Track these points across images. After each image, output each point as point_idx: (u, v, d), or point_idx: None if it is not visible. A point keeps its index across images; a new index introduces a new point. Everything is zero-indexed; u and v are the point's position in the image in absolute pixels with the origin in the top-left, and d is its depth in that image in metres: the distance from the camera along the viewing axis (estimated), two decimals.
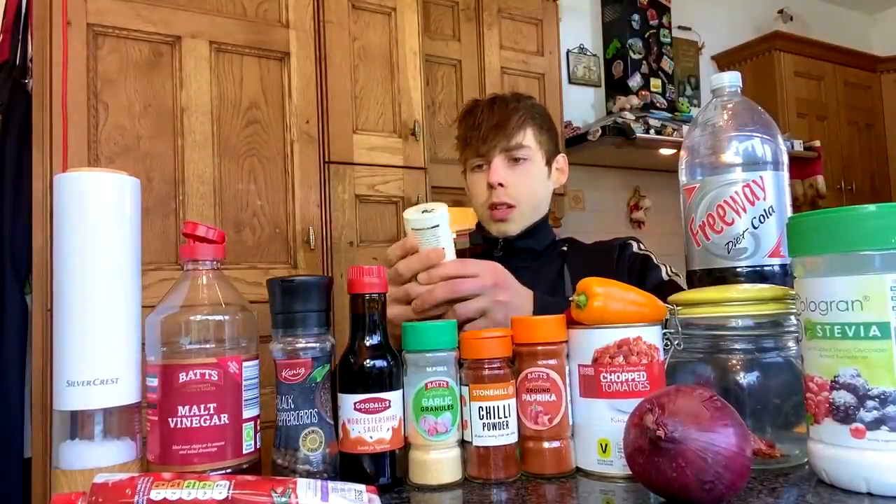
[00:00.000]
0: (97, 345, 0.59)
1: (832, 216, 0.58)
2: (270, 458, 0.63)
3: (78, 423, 0.58)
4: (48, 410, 1.48)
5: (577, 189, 3.34)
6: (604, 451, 0.64)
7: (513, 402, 0.66)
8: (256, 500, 0.49)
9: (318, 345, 0.63)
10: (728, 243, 0.78)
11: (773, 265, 0.77)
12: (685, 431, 0.52)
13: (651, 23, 3.48)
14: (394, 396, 0.64)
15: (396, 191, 2.06)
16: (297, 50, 1.94)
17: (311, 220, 1.91)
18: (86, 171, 0.61)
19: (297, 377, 0.62)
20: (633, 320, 0.65)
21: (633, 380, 0.63)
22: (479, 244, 1.25)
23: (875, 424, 0.54)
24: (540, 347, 0.66)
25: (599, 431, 0.64)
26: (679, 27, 3.71)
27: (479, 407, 0.65)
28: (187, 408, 0.59)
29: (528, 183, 1.19)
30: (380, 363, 0.64)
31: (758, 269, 0.77)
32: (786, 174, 0.79)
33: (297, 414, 0.62)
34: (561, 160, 1.28)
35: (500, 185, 1.16)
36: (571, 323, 0.67)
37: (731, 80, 0.82)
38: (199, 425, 0.59)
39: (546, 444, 0.65)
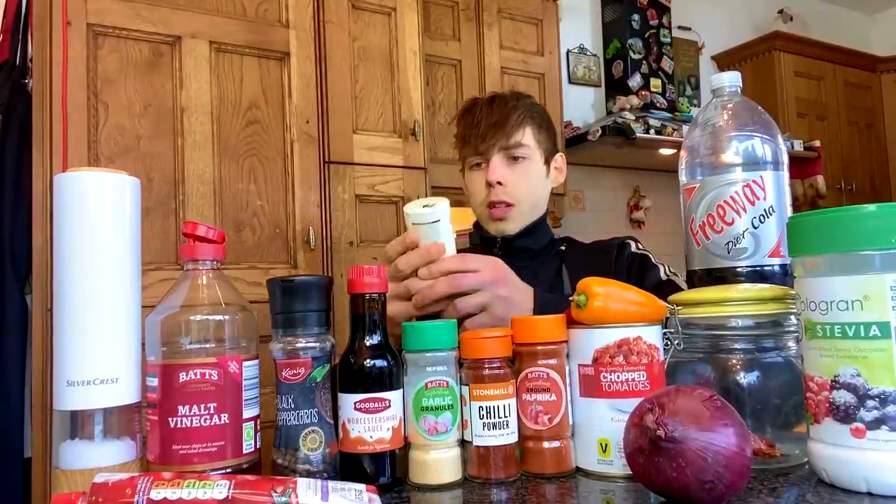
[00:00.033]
0: (97, 345, 0.59)
1: (832, 216, 0.58)
2: (270, 458, 0.63)
3: (78, 423, 0.58)
4: (48, 410, 1.48)
5: (577, 189, 3.34)
6: (604, 451, 0.64)
7: (513, 401, 0.66)
8: (256, 499, 0.49)
9: (318, 345, 0.63)
10: (728, 243, 0.78)
11: (773, 265, 0.77)
12: (685, 431, 0.52)
13: (651, 23, 3.48)
14: (394, 396, 0.64)
15: (396, 191, 2.06)
16: (297, 50, 1.94)
17: (311, 220, 1.92)
18: (86, 171, 0.61)
19: (297, 377, 0.62)
20: (633, 320, 0.65)
21: (633, 380, 0.63)
22: (477, 244, 1.25)
23: (875, 424, 0.54)
24: (540, 347, 0.66)
25: (599, 431, 0.64)
26: (679, 27, 3.71)
27: (480, 407, 0.65)
28: (187, 407, 0.59)
29: (526, 182, 1.18)
30: (380, 363, 0.64)
31: (758, 269, 0.77)
32: (786, 174, 0.79)
33: (297, 414, 0.62)
34: (559, 159, 1.27)
35: (499, 183, 1.15)
36: (571, 323, 0.67)
37: (731, 80, 0.82)
38: (199, 425, 0.59)
39: (546, 444, 0.65)
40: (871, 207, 0.56)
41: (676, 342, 0.68)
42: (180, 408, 0.59)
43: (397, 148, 2.08)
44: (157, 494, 0.48)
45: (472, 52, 2.64)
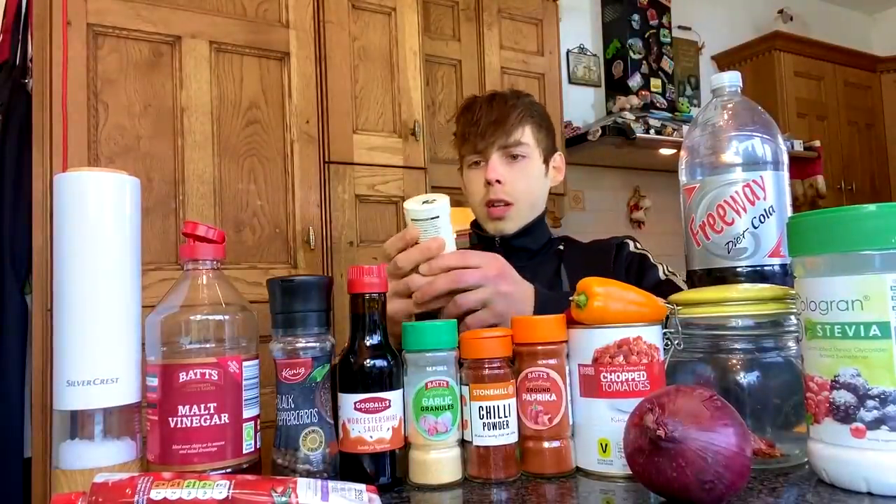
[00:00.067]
0: (97, 345, 0.59)
1: (832, 216, 0.58)
2: (270, 458, 0.63)
3: (78, 423, 0.58)
4: (48, 410, 1.49)
5: (577, 189, 3.34)
6: (604, 451, 0.64)
7: (513, 401, 0.65)
8: (256, 499, 0.49)
9: (318, 345, 0.63)
10: (728, 243, 0.78)
11: (773, 265, 0.77)
12: (685, 431, 0.52)
13: (651, 23, 3.48)
14: (394, 396, 0.64)
15: (396, 191, 2.06)
16: (297, 50, 1.94)
17: (311, 220, 1.92)
18: (86, 171, 0.61)
19: (297, 377, 0.62)
20: (633, 320, 0.65)
21: (633, 380, 0.63)
22: (476, 245, 1.25)
23: (875, 424, 0.54)
24: (540, 347, 0.66)
25: (599, 431, 0.64)
26: (679, 27, 3.71)
27: (480, 406, 0.65)
28: (187, 407, 0.59)
29: (525, 180, 1.18)
30: (380, 363, 0.64)
31: (758, 268, 0.77)
32: (786, 174, 0.79)
33: (297, 414, 0.62)
34: (558, 158, 1.27)
35: (498, 181, 1.15)
36: (571, 323, 0.67)
37: (731, 80, 0.82)
38: (199, 425, 0.59)
39: (546, 444, 0.65)
40: (871, 207, 0.56)
41: (676, 342, 0.68)
42: (180, 408, 0.59)
43: (397, 148, 2.08)
44: (157, 494, 0.48)
45: (472, 52, 2.64)
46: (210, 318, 0.62)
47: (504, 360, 0.66)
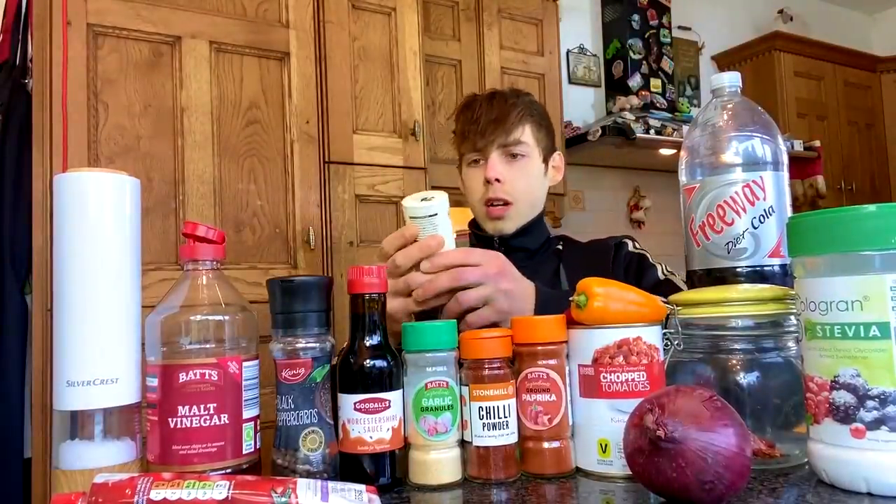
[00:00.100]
0: (97, 345, 0.59)
1: (832, 216, 0.58)
2: (270, 458, 0.63)
3: (78, 423, 0.58)
4: (48, 410, 1.49)
5: (577, 189, 3.34)
6: (604, 451, 0.64)
7: (513, 402, 0.65)
8: (256, 500, 0.49)
9: (318, 345, 0.63)
10: (728, 243, 0.78)
11: (773, 265, 0.77)
12: (685, 431, 0.52)
13: (651, 23, 3.48)
14: (394, 396, 0.64)
15: (396, 191, 2.06)
16: (297, 50, 1.94)
17: (311, 220, 1.92)
18: (86, 171, 0.61)
19: (297, 377, 0.62)
20: (633, 320, 0.65)
21: (633, 380, 0.63)
22: (475, 244, 1.25)
23: (875, 424, 0.54)
24: (540, 347, 0.66)
25: (599, 431, 0.64)
26: (679, 27, 3.71)
27: (479, 407, 0.65)
28: (187, 408, 0.59)
29: (525, 179, 1.18)
30: (380, 363, 0.64)
31: (758, 269, 0.77)
32: (786, 174, 0.79)
33: (297, 414, 0.62)
34: (557, 158, 1.27)
35: (497, 180, 1.15)
36: (571, 323, 0.67)
37: (731, 80, 0.82)
38: (199, 425, 0.59)
39: (546, 444, 0.65)
40: (871, 207, 0.56)
41: (676, 342, 0.68)
42: (180, 408, 0.59)
43: (397, 148, 2.08)
44: (157, 495, 0.48)
45: (472, 52, 2.64)
46: (210, 318, 0.62)
47: (504, 360, 0.66)
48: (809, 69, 3.90)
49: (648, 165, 3.44)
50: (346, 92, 2.01)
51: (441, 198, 0.84)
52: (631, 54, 3.39)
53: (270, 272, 1.80)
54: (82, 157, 1.61)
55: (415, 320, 0.84)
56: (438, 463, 0.64)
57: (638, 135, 2.96)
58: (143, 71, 1.73)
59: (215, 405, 0.60)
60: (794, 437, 0.65)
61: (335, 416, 0.64)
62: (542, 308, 0.85)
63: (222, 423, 0.60)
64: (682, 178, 0.83)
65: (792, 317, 0.68)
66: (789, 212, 0.78)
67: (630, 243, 1.24)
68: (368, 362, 0.64)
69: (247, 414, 0.62)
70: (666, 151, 3.16)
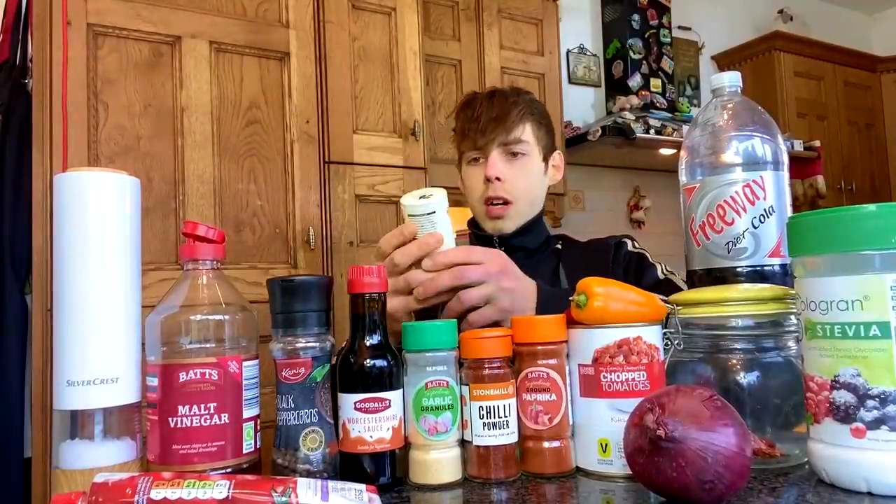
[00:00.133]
0: (97, 345, 0.59)
1: (832, 216, 0.58)
2: (270, 458, 0.63)
3: (78, 423, 0.58)
4: (48, 410, 1.49)
5: (577, 189, 3.34)
6: (604, 451, 0.64)
7: (513, 401, 0.65)
8: (256, 499, 0.49)
9: (318, 345, 0.63)
10: (728, 243, 0.78)
11: (773, 265, 0.77)
12: (685, 431, 0.52)
13: (651, 23, 3.48)
14: (394, 396, 0.64)
15: (396, 191, 2.06)
16: (297, 50, 1.94)
17: (311, 220, 1.92)
18: (86, 171, 0.61)
19: (297, 377, 0.62)
20: (633, 320, 0.65)
21: (633, 379, 0.63)
22: (475, 244, 1.25)
23: (875, 424, 0.54)
24: (540, 347, 0.66)
25: (599, 431, 0.64)
26: (679, 27, 3.71)
27: (480, 406, 0.65)
28: (187, 407, 0.59)
29: (525, 178, 1.17)
30: (380, 363, 0.64)
31: (758, 268, 0.77)
32: (786, 174, 0.79)
33: (297, 414, 0.62)
34: (557, 157, 1.26)
35: (498, 179, 1.14)
36: (571, 323, 0.67)
37: (731, 80, 0.82)
38: (199, 425, 0.59)
39: (546, 444, 0.65)
40: (871, 207, 0.56)
41: (676, 342, 0.68)
42: (180, 408, 0.59)
43: (397, 148, 2.08)
44: (157, 494, 0.48)
45: (472, 52, 2.65)
46: (210, 318, 0.62)
47: (504, 360, 0.66)
48: (809, 69, 3.90)
49: (648, 165, 3.44)
50: (346, 92, 2.01)
51: (439, 195, 0.83)
52: (631, 54, 3.39)
53: (270, 272, 1.80)
54: (82, 157, 1.61)
55: (414, 319, 0.84)
56: (438, 462, 0.64)
57: (638, 135, 2.96)
58: (143, 71, 1.73)
59: (215, 405, 0.60)
60: (794, 437, 0.65)
61: (335, 416, 0.64)
62: (543, 306, 0.85)
63: (222, 422, 0.60)
64: (682, 177, 0.83)
65: (792, 316, 0.68)
66: (789, 212, 0.78)
67: (630, 243, 1.23)
68: (369, 362, 0.64)
69: (247, 413, 0.62)
70: (666, 151, 3.16)
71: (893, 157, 4.21)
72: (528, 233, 1.20)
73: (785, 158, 0.80)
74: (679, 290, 0.93)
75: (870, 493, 0.55)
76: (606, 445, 0.63)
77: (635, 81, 3.38)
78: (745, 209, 0.77)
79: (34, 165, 1.58)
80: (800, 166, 3.64)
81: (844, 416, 0.55)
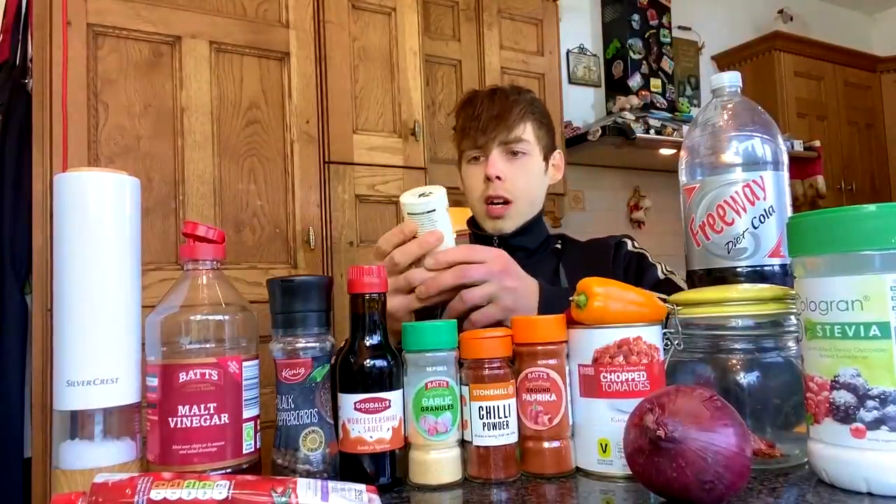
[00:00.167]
0: (97, 345, 0.59)
1: (832, 216, 0.58)
2: (270, 458, 0.63)
3: (78, 423, 0.58)
4: (48, 410, 1.49)
5: (577, 189, 3.34)
6: (604, 451, 0.64)
7: (513, 401, 0.65)
8: (256, 499, 0.49)
9: (318, 345, 0.63)
10: (728, 243, 0.78)
11: (773, 265, 0.77)
12: (685, 431, 0.52)
13: (651, 23, 3.48)
14: (394, 396, 0.64)
15: (396, 191, 2.06)
16: (297, 50, 1.94)
17: (311, 220, 1.92)
18: (86, 171, 0.61)
19: (297, 377, 0.62)
20: (633, 320, 0.65)
21: (633, 380, 0.63)
22: (475, 243, 1.24)
23: (875, 424, 0.54)
24: (540, 347, 0.66)
25: (599, 431, 0.64)
26: (679, 27, 3.71)
27: (479, 407, 0.65)
28: (187, 408, 0.59)
29: (525, 177, 1.17)
30: (380, 363, 0.64)
31: (758, 269, 0.77)
32: (786, 174, 0.79)
33: (297, 414, 0.62)
34: (557, 157, 1.26)
35: (498, 177, 1.14)
36: (571, 323, 0.67)
37: (731, 80, 0.82)
38: (199, 425, 0.59)
39: (546, 444, 0.65)
40: (871, 207, 0.56)
41: (676, 342, 0.68)
42: (180, 408, 0.59)
43: (397, 148, 2.08)
44: (157, 494, 0.48)
45: (472, 52, 2.65)
46: (210, 318, 0.62)
47: (504, 360, 0.66)
48: (809, 69, 3.91)
49: (648, 165, 3.44)
50: (346, 92, 2.01)
51: (439, 193, 0.83)
52: (631, 54, 3.39)
53: (270, 272, 1.80)
54: (82, 157, 1.61)
55: (414, 319, 0.84)
56: (438, 463, 0.64)
57: (638, 135, 2.96)
58: (143, 71, 1.73)
59: (215, 405, 0.60)
60: (794, 437, 0.65)
61: (335, 416, 0.64)
62: (545, 306, 0.85)
63: (222, 422, 0.60)
64: (682, 177, 0.83)
65: (792, 317, 0.68)
66: (789, 212, 0.78)
67: (629, 242, 1.23)
68: (369, 362, 0.64)
69: (247, 414, 0.62)
70: (666, 151, 3.16)
71: (893, 157, 4.21)
72: (527, 232, 1.20)
73: (785, 158, 0.80)
74: (679, 290, 0.93)
75: (870, 494, 0.54)
76: (606, 446, 0.63)
77: (635, 81, 3.38)
78: (745, 209, 0.77)
79: (34, 165, 1.58)
80: (800, 166, 3.64)
81: (844, 416, 0.55)
